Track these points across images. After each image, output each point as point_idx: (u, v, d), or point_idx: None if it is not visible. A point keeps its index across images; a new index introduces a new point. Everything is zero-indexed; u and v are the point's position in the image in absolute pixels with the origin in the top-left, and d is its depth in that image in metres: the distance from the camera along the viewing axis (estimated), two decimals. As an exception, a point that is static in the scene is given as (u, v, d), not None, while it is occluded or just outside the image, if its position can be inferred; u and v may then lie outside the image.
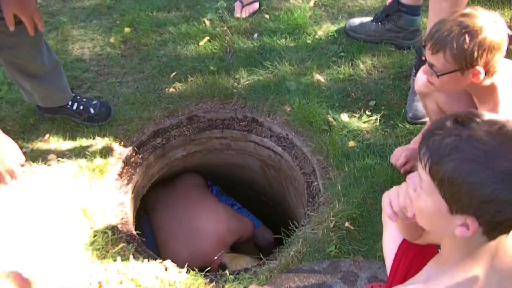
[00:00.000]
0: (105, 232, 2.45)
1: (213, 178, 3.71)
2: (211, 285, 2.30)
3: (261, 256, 2.69)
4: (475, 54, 1.74)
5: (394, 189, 1.43)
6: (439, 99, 2.20)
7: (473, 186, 1.06)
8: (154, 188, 3.27)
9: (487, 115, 1.11)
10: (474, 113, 1.11)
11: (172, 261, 2.99)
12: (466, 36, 1.72)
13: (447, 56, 1.78)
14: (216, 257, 3.06)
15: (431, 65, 1.86)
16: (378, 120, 2.80)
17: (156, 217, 3.33)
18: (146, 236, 3.31)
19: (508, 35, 1.78)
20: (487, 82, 1.85)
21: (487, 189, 1.04)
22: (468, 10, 1.78)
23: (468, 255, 1.19)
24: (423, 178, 1.16)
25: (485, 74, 1.80)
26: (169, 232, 3.18)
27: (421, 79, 2.22)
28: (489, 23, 1.73)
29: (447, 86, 1.91)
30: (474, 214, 1.08)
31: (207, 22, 3.44)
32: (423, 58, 2.74)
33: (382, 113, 2.83)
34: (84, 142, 2.80)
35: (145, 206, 3.41)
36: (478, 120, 1.09)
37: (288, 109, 2.91)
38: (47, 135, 2.82)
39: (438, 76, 1.85)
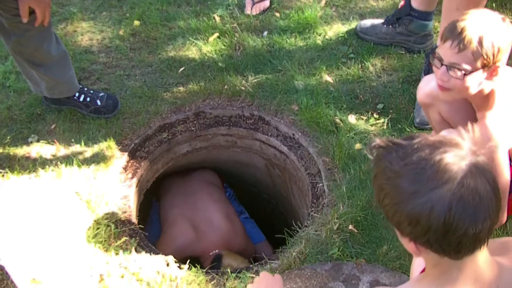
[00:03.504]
0: (108, 225, 2.45)
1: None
2: (212, 282, 2.29)
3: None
4: (501, 50, 1.72)
5: None
6: (442, 109, 2.17)
7: (391, 210, 1.12)
8: (169, 177, 3.28)
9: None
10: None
11: (175, 239, 3.00)
12: (495, 33, 1.70)
13: (476, 53, 1.72)
14: (211, 253, 3.07)
15: (452, 66, 1.77)
16: (386, 124, 2.78)
17: (167, 200, 3.34)
18: (153, 224, 3.31)
19: None
20: (490, 87, 1.84)
21: (401, 211, 1.09)
22: (478, 10, 1.77)
23: (443, 275, 1.19)
24: None
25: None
26: (181, 212, 3.19)
27: (423, 89, 2.20)
28: (507, 23, 1.73)
29: (468, 88, 1.81)
30: (407, 235, 1.13)
31: (217, 18, 3.43)
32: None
33: (389, 116, 2.82)
34: (90, 134, 2.80)
35: (157, 194, 3.42)
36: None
37: (296, 109, 2.90)
38: (53, 126, 2.83)
39: (465, 75, 1.76)
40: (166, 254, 2.46)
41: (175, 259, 2.40)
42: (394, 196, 1.09)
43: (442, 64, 1.81)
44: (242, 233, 3.27)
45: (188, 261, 2.43)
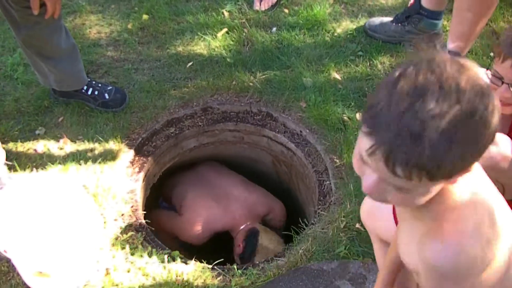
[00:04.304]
0: (115, 219, 2.45)
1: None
2: (218, 278, 2.30)
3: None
4: None
5: None
6: None
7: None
8: (173, 175, 3.30)
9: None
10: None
11: (199, 215, 3.03)
12: None
13: None
14: (243, 226, 3.08)
15: None
16: (394, 122, 2.77)
17: (179, 191, 3.32)
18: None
19: None
20: None
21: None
22: None
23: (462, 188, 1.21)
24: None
25: None
26: (198, 193, 3.18)
27: None
28: None
29: None
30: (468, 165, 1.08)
31: (226, 14, 3.42)
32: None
33: (398, 115, 2.80)
34: (97, 127, 2.80)
35: (163, 193, 3.41)
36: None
37: (304, 106, 2.90)
38: (61, 118, 2.82)
39: None
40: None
41: (180, 255, 2.41)
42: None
43: (502, 83, 1.76)
44: (263, 195, 3.26)
45: (195, 257, 2.43)
